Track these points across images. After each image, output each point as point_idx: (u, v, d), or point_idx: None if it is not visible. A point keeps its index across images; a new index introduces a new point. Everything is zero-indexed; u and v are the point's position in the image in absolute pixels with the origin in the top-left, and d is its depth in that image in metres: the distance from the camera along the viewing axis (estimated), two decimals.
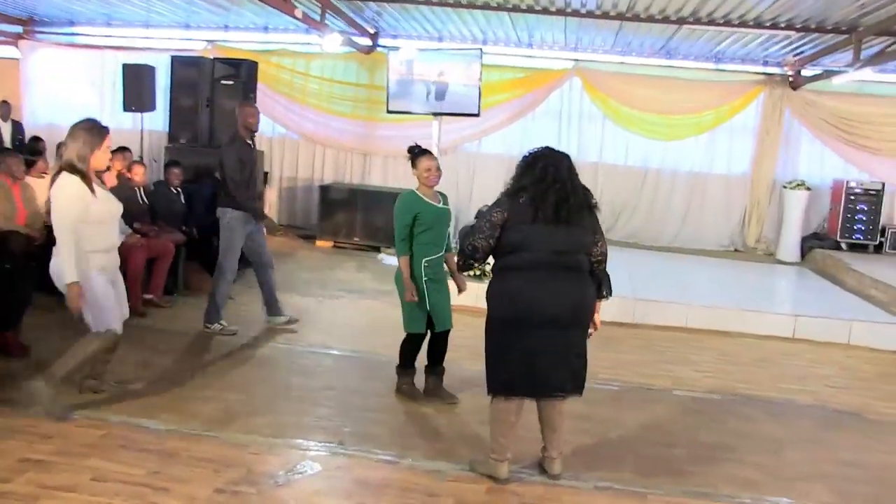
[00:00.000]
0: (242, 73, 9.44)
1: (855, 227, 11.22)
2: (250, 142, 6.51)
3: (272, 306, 6.78)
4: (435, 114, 9.97)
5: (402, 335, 5.11)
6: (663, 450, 4.71)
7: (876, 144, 11.49)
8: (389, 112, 10.28)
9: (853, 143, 11.55)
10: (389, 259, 10.26)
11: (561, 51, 11.95)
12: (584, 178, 12.65)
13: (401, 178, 12.20)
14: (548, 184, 3.88)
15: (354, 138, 12.15)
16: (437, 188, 5.01)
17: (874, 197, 11.18)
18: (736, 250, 11.99)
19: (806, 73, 11.34)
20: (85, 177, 4.31)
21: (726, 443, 4.88)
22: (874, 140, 11.48)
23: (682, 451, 4.70)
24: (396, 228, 4.87)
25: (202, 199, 8.21)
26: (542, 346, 3.90)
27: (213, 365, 5.70)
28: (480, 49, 9.58)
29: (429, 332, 5.10)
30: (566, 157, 4.05)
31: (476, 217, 5.15)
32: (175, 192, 8.00)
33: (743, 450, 4.78)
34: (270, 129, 12.34)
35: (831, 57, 10.30)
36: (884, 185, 11.26)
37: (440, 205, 4.96)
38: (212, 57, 10.40)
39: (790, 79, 11.50)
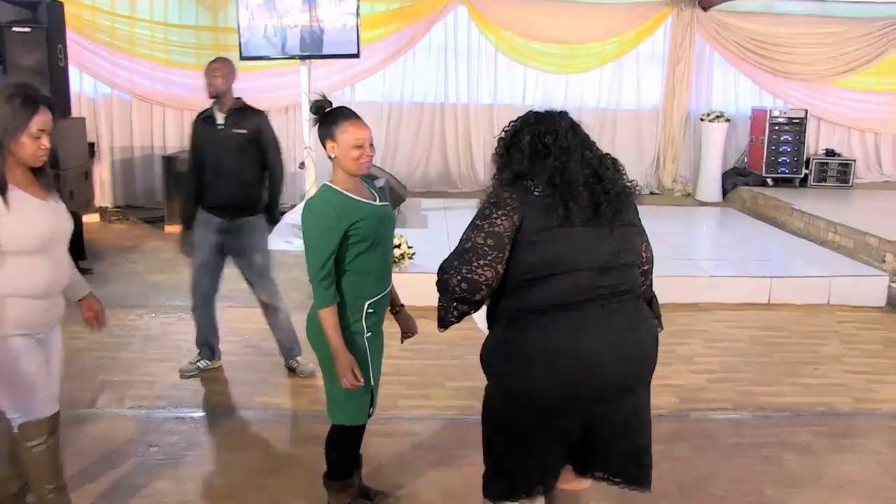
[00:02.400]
0: (41, 17, 7.08)
1: (780, 161, 10.14)
2: (220, 114, 4.50)
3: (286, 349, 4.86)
4: (302, 57, 8.05)
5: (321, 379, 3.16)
6: None
7: (791, 68, 10.43)
8: (243, 59, 8.24)
9: (768, 69, 10.43)
10: None
11: None
12: (478, 124, 10.71)
13: None
14: (559, 159, 2.37)
15: (201, 94, 9.70)
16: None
17: (798, 126, 10.11)
18: (651, 193, 10.68)
19: None
20: None
21: None
22: (789, 64, 10.41)
23: None
24: (313, 259, 2.79)
25: None
26: (593, 427, 2.41)
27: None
28: None
29: None
30: (561, 114, 2.52)
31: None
32: None
33: None
34: (92, 90, 9.89)
35: None
36: (806, 112, 10.21)
37: (378, 202, 2.98)
38: None
39: None
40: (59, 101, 7.32)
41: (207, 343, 4.76)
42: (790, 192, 9.70)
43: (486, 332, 2.56)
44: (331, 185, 2.89)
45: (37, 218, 2.62)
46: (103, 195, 9.74)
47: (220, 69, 4.47)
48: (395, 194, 8.55)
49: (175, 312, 5.82)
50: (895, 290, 6.52)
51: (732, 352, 5.39)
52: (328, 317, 2.80)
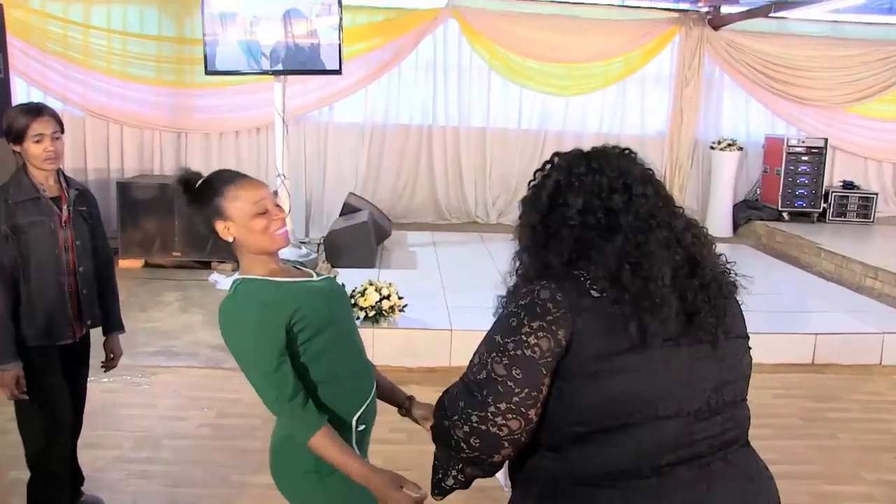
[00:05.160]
0: None
1: (797, 193, 9.35)
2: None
3: None
4: (276, 72, 7.16)
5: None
6: None
7: (806, 93, 9.68)
8: (209, 73, 7.31)
9: (782, 93, 9.67)
10: (225, 281, 7.30)
11: None
12: (469, 148, 9.79)
13: (229, 162, 9.15)
14: (633, 239, 1.54)
15: (162, 112, 8.89)
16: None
17: (817, 156, 9.35)
18: None
19: (726, 9, 9.33)
20: None
21: None
22: (804, 88, 9.66)
23: None
24: (265, 380, 1.90)
25: None
26: None
27: None
28: None
29: None
30: (624, 154, 1.70)
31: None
32: None
33: None
34: None
35: None
36: (826, 141, 9.43)
37: (317, 280, 2.11)
38: None
39: (708, 16, 9.45)
40: None
41: None
42: (809, 228, 8.93)
43: (507, 489, 1.73)
44: (246, 277, 2.01)
45: None
46: None
47: None
48: (378, 228, 7.63)
49: (123, 375, 4.80)
50: None
51: (789, 432, 4.51)
52: (326, 440, 1.90)
